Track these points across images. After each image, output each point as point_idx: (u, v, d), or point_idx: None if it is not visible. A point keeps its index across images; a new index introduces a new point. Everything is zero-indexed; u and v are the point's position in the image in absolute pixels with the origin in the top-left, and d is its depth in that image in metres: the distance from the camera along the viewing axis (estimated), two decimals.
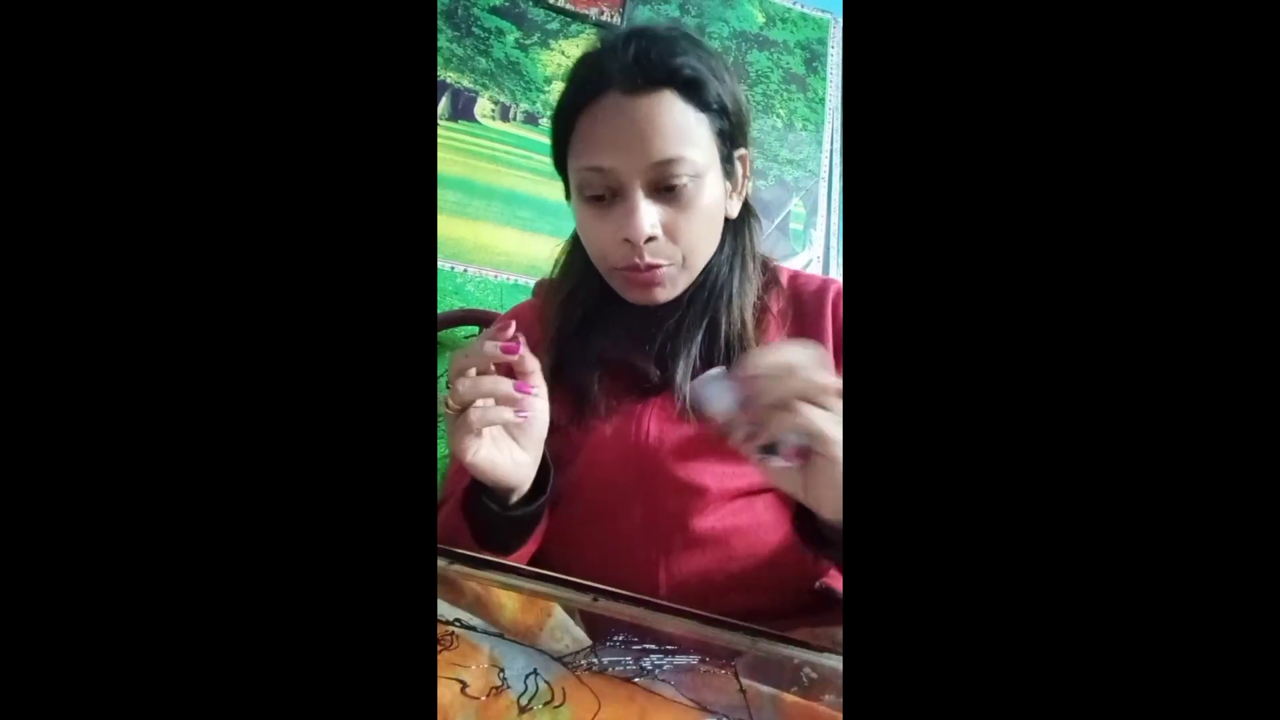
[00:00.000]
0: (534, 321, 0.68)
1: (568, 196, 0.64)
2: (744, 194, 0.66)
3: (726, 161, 0.62)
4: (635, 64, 0.57)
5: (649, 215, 0.57)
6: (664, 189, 0.57)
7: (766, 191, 1.66)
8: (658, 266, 0.59)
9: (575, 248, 0.68)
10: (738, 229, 0.66)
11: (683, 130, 0.57)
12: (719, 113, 0.59)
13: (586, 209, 0.60)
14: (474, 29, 1.50)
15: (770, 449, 0.47)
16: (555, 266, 0.71)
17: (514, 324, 0.53)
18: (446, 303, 1.36)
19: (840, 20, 1.78)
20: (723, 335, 0.62)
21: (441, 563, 0.50)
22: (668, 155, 0.56)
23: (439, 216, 1.37)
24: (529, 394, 0.53)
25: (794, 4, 1.76)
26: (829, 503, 0.48)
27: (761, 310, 0.65)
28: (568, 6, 1.53)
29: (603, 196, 0.58)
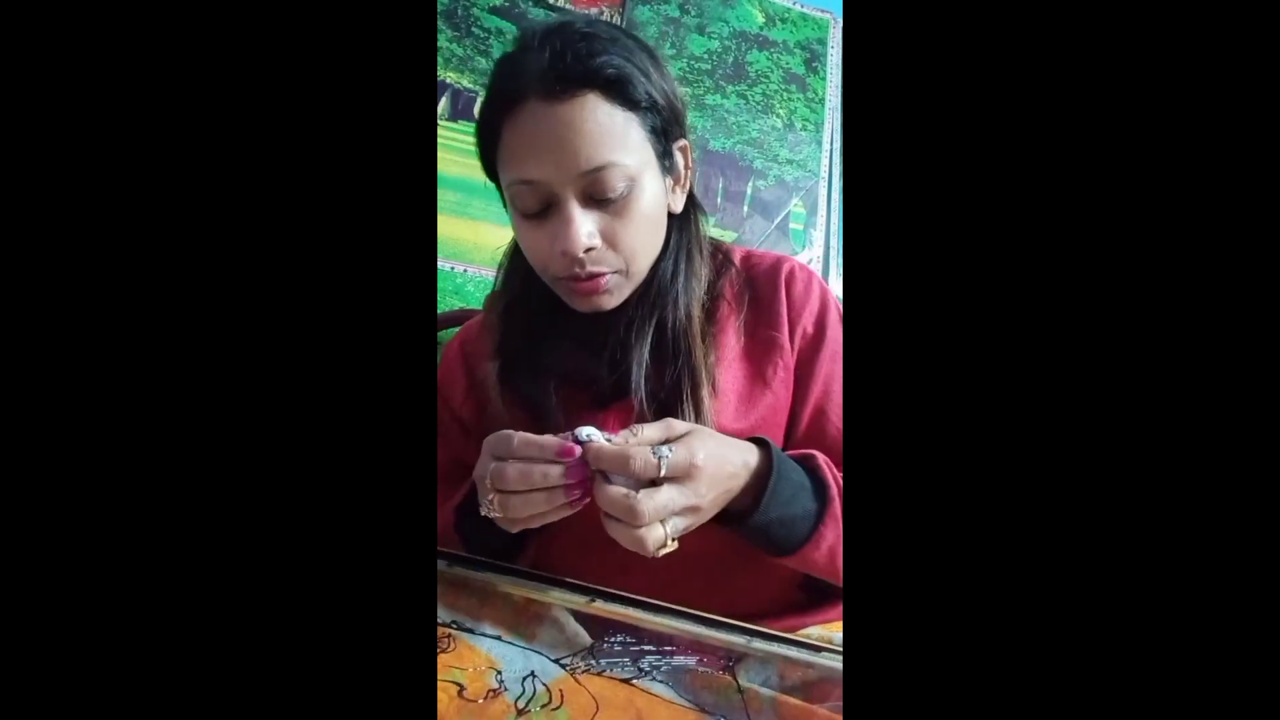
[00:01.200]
0: (482, 335, 0.67)
1: (505, 206, 0.62)
2: (688, 186, 0.64)
3: (664, 157, 0.60)
4: (551, 68, 0.54)
5: (585, 225, 0.55)
6: (598, 199, 0.55)
7: (766, 191, 1.66)
8: (600, 275, 0.57)
9: (515, 256, 0.66)
10: (683, 223, 0.64)
11: (611, 134, 0.54)
12: (649, 110, 0.57)
13: (522, 223, 0.58)
14: (473, 29, 1.50)
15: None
16: (498, 275, 0.68)
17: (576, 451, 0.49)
18: (446, 303, 1.36)
19: (840, 20, 1.78)
20: (670, 333, 0.60)
21: (440, 564, 0.50)
22: (598, 163, 0.54)
23: (439, 216, 1.37)
24: (582, 502, 0.49)
25: (794, 4, 1.77)
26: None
27: (714, 299, 0.64)
28: (567, 6, 1.53)
29: (537, 211, 0.56)
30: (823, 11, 1.79)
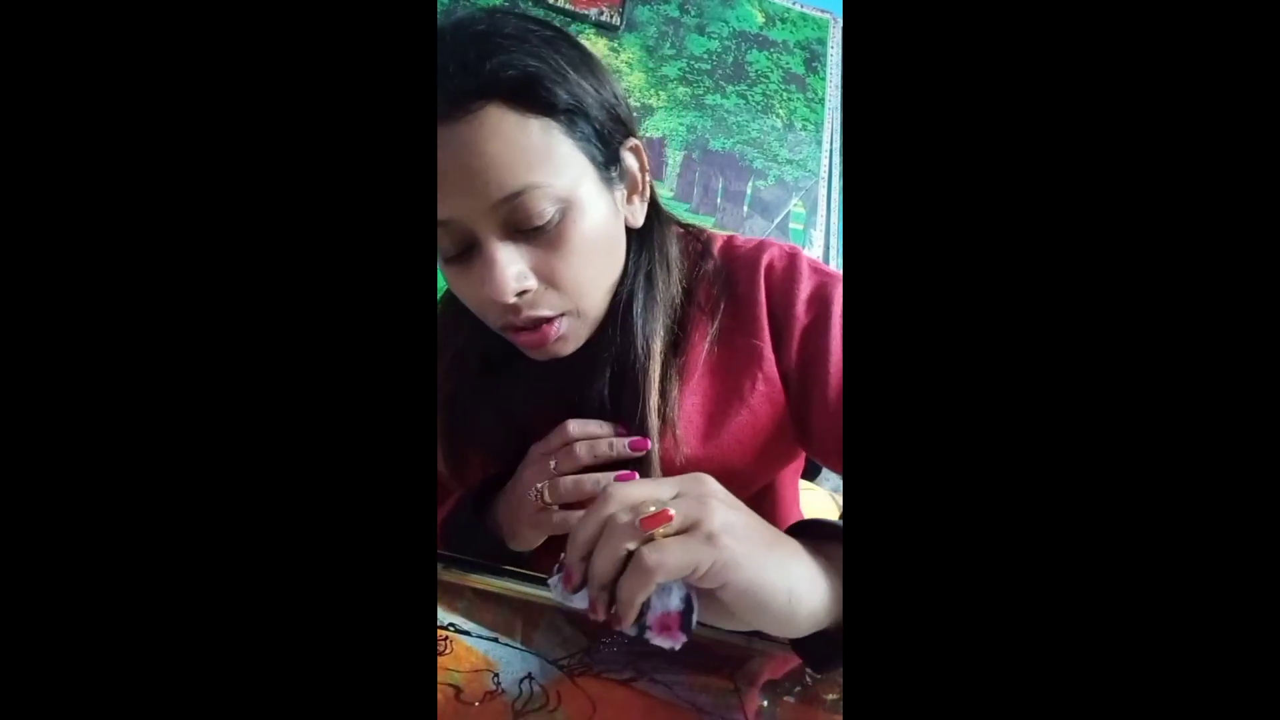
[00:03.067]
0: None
1: None
2: (648, 193, 0.53)
3: (608, 166, 0.49)
4: (441, 85, 0.43)
5: (512, 265, 0.45)
6: (524, 230, 0.45)
7: (766, 191, 1.66)
8: (546, 321, 0.48)
9: (451, 306, 0.57)
10: (644, 238, 0.54)
11: (525, 150, 0.43)
12: (573, 113, 0.46)
13: (447, 269, 0.48)
14: None
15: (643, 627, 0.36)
16: (440, 308, 0.59)
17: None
18: None
19: (840, 20, 1.79)
20: (630, 370, 0.51)
21: (436, 566, 0.50)
22: (513, 187, 0.43)
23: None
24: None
25: (794, 4, 1.77)
26: (774, 624, 0.36)
27: (688, 308, 0.55)
28: (567, 6, 1.53)
29: (457, 254, 0.46)
30: (822, 11, 1.79)
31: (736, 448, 0.54)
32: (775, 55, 1.72)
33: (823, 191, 1.70)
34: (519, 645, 0.43)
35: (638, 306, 0.52)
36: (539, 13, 1.53)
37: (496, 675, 0.40)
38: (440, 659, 0.41)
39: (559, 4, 1.53)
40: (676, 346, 0.54)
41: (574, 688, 0.40)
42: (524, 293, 0.46)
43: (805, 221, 1.68)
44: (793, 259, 0.57)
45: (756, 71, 1.70)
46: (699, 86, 1.64)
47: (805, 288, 0.55)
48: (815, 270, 0.56)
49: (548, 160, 0.44)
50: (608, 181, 0.49)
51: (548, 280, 0.47)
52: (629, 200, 0.52)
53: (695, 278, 0.56)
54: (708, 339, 0.55)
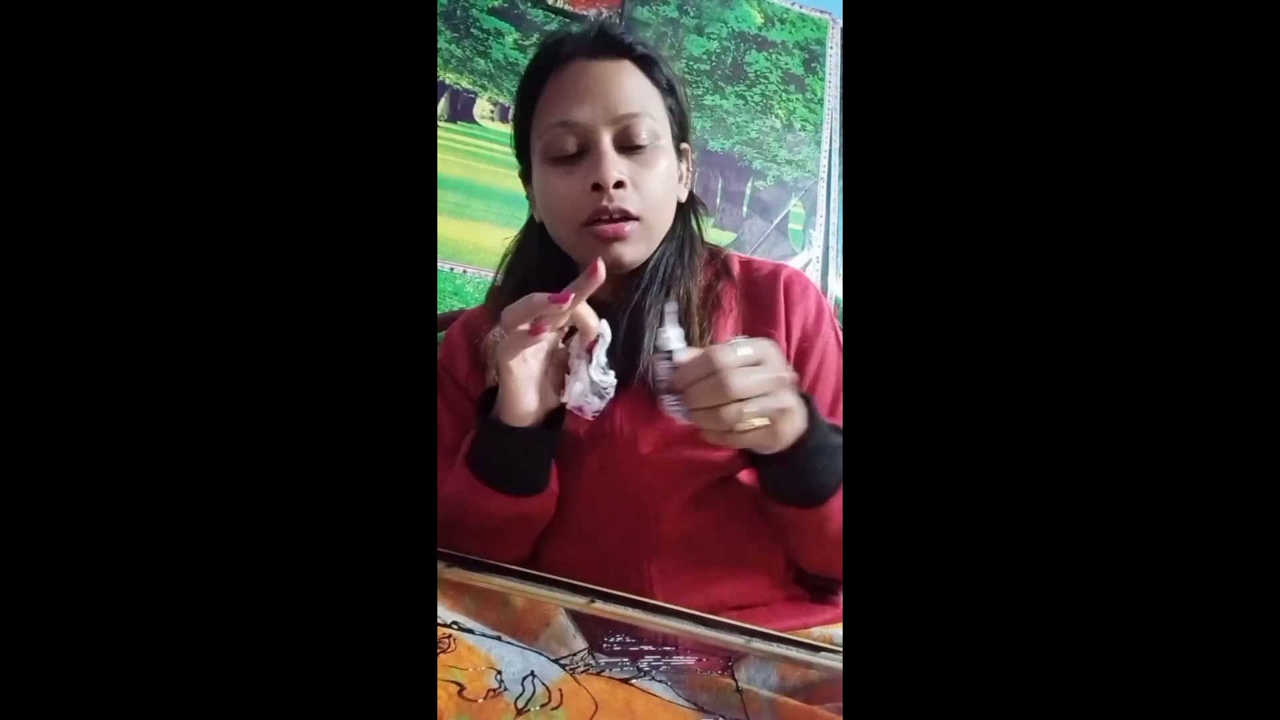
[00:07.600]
0: (486, 323, 0.70)
1: (525, 179, 0.69)
2: (689, 185, 0.71)
3: (678, 140, 0.67)
4: (598, 38, 0.65)
5: (617, 163, 0.61)
6: (629, 146, 0.62)
7: (766, 192, 1.66)
8: (626, 217, 0.61)
9: (522, 243, 0.72)
10: (685, 215, 0.70)
11: (641, 94, 0.64)
12: (668, 93, 0.67)
13: (553, 170, 0.64)
14: (473, 30, 1.51)
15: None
16: (501, 265, 0.73)
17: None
18: (446, 303, 1.36)
19: (839, 21, 1.79)
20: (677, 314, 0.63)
21: (440, 565, 0.50)
22: (632, 109, 0.62)
23: (439, 217, 1.37)
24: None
25: (793, 4, 1.77)
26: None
27: (713, 301, 0.68)
28: (566, 7, 1.53)
29: (572, 154, 0.62)
30: (822, 12, 1.79)
31: None
32: (774, 56, 1.72)
33: (822, 192, 1.71)
34: (521, 643, 0.43)
35: (683, 262, 0.67)
36: (538, 13, 1.53)
37: (499, 673, 0.40)
38: (443, 657, 0.41)
39: (558, 4, 1.53)
40: (708, 314, 0.67)
41: (576, 686, 0.40)
42: (620, 185, 0.61)
43: (804, 222, 1.68)
44: (807, 280, 0.73)
45: (755, 72, 1.70)
46: (698, 87, 1.64)
47: (813, 304, 0.70)
48: (819, 295, 0.72)
49: (653, 105, 0.65)
50: (676, 148, 0.68)
51: (636, 184, 0.62)
52: (680, 179, 0.69)
53: (719, 279, 0.70)
54: (732, 328, 0.68)
